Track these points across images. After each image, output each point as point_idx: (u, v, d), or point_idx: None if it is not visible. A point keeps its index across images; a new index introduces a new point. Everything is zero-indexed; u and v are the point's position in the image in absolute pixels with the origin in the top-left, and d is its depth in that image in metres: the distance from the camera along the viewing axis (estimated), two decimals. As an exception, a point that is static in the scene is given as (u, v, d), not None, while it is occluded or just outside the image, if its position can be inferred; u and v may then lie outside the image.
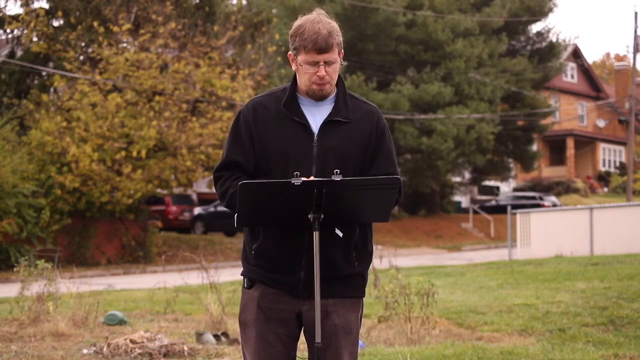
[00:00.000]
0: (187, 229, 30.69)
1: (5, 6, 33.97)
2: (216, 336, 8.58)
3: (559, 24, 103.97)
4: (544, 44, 39.40)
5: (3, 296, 12.82)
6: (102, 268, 22.54)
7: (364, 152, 3.47)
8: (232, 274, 11.65)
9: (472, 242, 32.92)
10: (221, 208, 28.41)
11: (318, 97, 3.46)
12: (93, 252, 23.61)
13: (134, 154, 22.00)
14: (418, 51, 34.08)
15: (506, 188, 46.41)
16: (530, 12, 37.46)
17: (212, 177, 3.60)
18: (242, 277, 3.57)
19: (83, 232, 23.37)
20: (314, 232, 3.27)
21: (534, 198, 37.84)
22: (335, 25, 3.42)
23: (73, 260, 21.34)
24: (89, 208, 23.08)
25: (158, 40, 22.92)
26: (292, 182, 3.18)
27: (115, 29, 22.66)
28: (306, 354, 3.49)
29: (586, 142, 50.57)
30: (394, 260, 10.12)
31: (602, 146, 51.42)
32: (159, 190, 24.42)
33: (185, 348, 7.86)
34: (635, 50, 35.99)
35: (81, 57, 24.00)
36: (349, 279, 3.49)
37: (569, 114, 51.82)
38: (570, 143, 48.95)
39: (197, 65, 23.33)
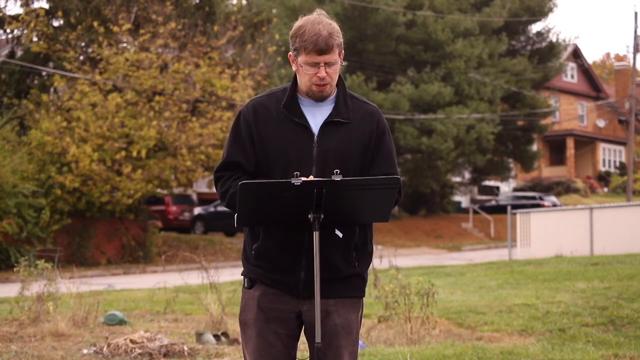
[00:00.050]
0: (187, 229, 30.69)
1: (5, 6, 33.98)
2: (216, 336, 8.59)
3: (559, 24, 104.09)
4: (544, 44, 39.41)
5: (3, 296, 12.82)
6: (102, 268, 22.54)
7: (364, 153, 3.48)
8: (232, 274, 11.64)
9: (472, 242, 32.92)
10: (221, 208, 28.42)
11: (318, 98, 3.47)
12: (93, 252, 23.62)
13: (134, 154, 22.01)
14: (418, 51, 34.09)
15: (506, 188, 46.42)
16: (530, 12, 37.47)
17: (212, 177, 3.62)
18: (242, 277, 3.57)
19: (83, 232, 23.38)
20: (314, 233, 3.28)
21: (534, 198, 37.85)
22: (335, 26, 3.42)
23: (73, 260, 21.34)
24: (89, 208, 23.08)
25: (158, 40, 22.92)
26: (292, 182, 3.19)
27: (115, 29, 22.66)
28: (306, 354, 3.49)
29: (586, 142, 50.57)
30: (394, 260, 10.12)
31: (602, 146, 51.43)
32: (159, 190, 24.42)
33: (185, 348, 7.86)
34: (635, 50, 36.00)
35: (81, 57, 24.00)
36: (349, 279, 3.49)
37: (569, 114, 51.83)
38: (570, 143, 48.95)
39: (197, 65, 23.33)
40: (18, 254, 19.17)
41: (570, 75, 52.18)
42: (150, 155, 22.59)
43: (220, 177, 3.50)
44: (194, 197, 33.53)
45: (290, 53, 3.47)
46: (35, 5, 24.85)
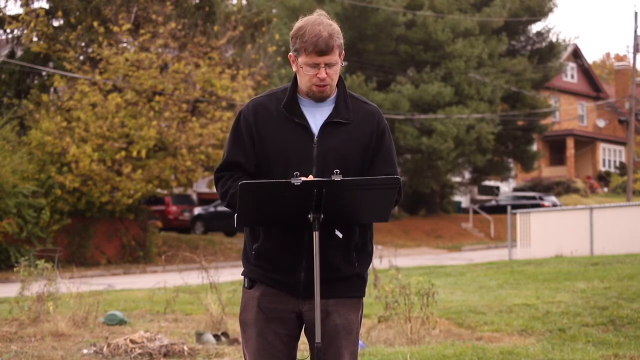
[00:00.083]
0: (187, 229, 30.69)
1: (5, 6, 34.00)
2: (216, 336, 8.59)
3: (559, 24, 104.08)
4: (544, 44, 39.41)
5: (3, 296, 12.82)
6: (102, 268, 22.54)
7: (365, 153, 3.48)
8: (232, 274, 11.64)
9: (472, 242, 32.92)
10: (221, 208, 28.42)
11: (318, 99, 3.47)
12: (93, 252, 23.62)
13: (134, 154, 22.01)
14: (418, 51, 34.09)
15: (506, 188, 46.42)
16: (530, 12, 37.47)
17: (212, 177, 3.63)
18: (242, 277, 3.58)
19: (83, 232, 23.38)
20: (314, 233, 3.28)
21: (534, 198, 37.85)
22: (336, 27, 3.42)
23: (73, 260, 21.34)
24: (89, 208, 23.09)
25: (158, 40, 22.92)
26: (292, 182, 3.19)
27: (115, 29, 22.66)
28: (306, 354, 3.49)
29: (586, 142, 50.58)
30: (394, 260, 10.13)
31: (602, 146, 51.43)
32: (159, 190, 24.43)
33: (185, 348, 7.87)
34: (635, 50, 36.00)
35: (81, 57, 24.00)
36: (349, 279, 3.50)
37: (569, 114, 51.83)
38: (570, 143, 48.95)
39: (197, 65, 23.33)
40: (18, 254, 19.17)
41: (570, 75, 52.19)
42: (150, 155, 22.59)
43: (221, 178, 3.51)
44: (194, 197, 33.53)
45: (290, 54, 3.47)
46: (35, 5, 24.88)
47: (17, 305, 9.72)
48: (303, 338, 3.55)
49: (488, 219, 36.47)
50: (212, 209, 30.82)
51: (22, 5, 24.53)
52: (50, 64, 24.84)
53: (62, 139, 21.73)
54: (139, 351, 7.69)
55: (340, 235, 3.43)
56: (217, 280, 9.64)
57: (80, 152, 21.45)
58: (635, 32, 35.80)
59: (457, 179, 40.69)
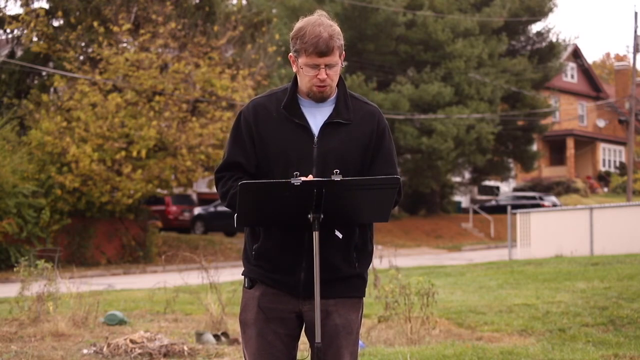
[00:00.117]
0: (187, 229, 30.69)
1: (5, 6, 34.00)
2: (216, 336, 8.59)
3: (559, 24, 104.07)
4: (544, 44, 39.41)
5: (3, 296, 12.82)
6: (102, 268, 22.54)
7: (365, 153, 3.48)
8: (232, 274, 11.65)
9: (472, 242, 32.92)
10: (221, 208, 28.42)
11: (318, 99, 3.47)
12: (93, 252, 23.62)
13: (134, 154, 22.01)
14: (418, 51, 34.09)
15: (506, 188, 46.42)
16: (530, 12, 37.47)
17: (212, 177, 3.63)
18: (242, 277, 3.58)
19: (83, 232, 23.38)
20: (314, 233, 3.28)
21: (534, 198, 37.84)
22: (336, 27, 3.42)
23: (73, 260, 21.34)
24: (89, 208, 23.09)
25: (158, 40, 22.93)
26: (292, 182, 3.19)
27: (115, 29, 22.67)
28: (306, 354, 3.49)
29: (586, 142, 50.58)
30: (394, 260, 10.13)
31: (602, 146, 51.43)
32: (159, 190, 24.42)
33: (185, 348, 7.87)
34: (635, 50, 36.00)
35: (81, 57, 24.01)
36: (349, 279, 3.50)
37: (569, 114, 51.83)
38: (570, 143, 48.96)
39: (197, 65, 23.33)
40: (18, 254, 19.18)
41: (570, 75, 52.19)
42: (150, 155, 22.59)
43: (221, 178, 3.51)
44: (194, 197, 33.53)
45: (290, 54, 3.47)
46: (35, 5, 24.89)
47: (17, 305, 9.72)
48: (303, 338, 3.55)
49: (488, 219, 36.47)
50: (212, 209, 30.82)
51: (22, 5, 24.54)
52: (50, 64, 24.85)
53: (62, 139, 21.74)
54: (139, 351, 7.69)
55: (340, 236, 3.43)
56: (217, 280, 9.64)
57: (80, 152, 21.45)
58: (635, 32, 35.80)
59: (457, 179, 40.69)
